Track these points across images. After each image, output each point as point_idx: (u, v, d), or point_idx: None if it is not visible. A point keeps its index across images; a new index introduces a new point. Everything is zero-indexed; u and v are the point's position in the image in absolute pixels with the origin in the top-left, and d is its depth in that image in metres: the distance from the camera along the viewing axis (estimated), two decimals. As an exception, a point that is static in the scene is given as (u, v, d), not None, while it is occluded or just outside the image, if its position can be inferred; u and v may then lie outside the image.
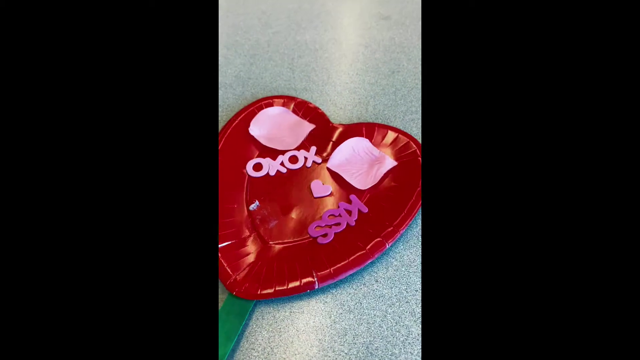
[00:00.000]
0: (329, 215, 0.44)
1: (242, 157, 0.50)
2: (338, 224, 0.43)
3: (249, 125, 0.53)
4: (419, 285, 0.39)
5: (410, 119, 0.55)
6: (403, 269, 0.41)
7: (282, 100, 0.56)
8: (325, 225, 0.43)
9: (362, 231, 0.42)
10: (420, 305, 0.38)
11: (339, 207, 0.45)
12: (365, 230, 0.42)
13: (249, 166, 0.50)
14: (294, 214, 0.45)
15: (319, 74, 0.62)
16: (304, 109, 0.55)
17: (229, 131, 0.52)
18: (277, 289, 0.38)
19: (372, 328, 0.37)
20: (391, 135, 0.51)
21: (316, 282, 0.38)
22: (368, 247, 0.40)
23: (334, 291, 0.40)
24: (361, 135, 0.51)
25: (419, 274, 0.40)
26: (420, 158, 0.47)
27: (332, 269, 0.39)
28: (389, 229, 0.41)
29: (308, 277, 0.39)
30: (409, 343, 0.36)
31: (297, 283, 0.38)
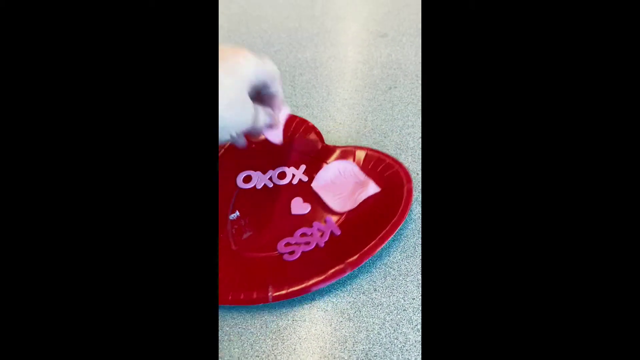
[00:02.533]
0: (301, 234, 0.45)
1: (237, 169, 0.53)
2: (308, 243, 0.44)
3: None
4: (416, 294, 0.41)
5: (407, 133, 0.57)
6: (401, 278, 0.42)
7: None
8: (295, 243, 0.44)
9: (329, 254, 0.43)
10: (417, 313, 0.40)
11: (312, 226, 0.46)
12: (332, 253, 0.43)
13: (240, 177, 0.52)
14: (268, 229, 0.46)
15: (319, 91, 0.65)
16: (304, 128, 0.57)
17: (227, 144, 0.55)
18: (231, 297, 0.40)
19: (371, 335, 0.38)
20: (381, 162, 0.51)
21: (270, 297, 0.40)
22: (329, 272, 0.41)
23: (334, 300, 0.41)
24: (353, 158, 0.52)
25: (417, 283, 0.42)
26: (405, 187, 0.47)
27: (288, 290, 0.40)
28: (354, 257, 0.41)
29: (263, 291, 0.40)
30: (407, 350, 0.37)
31: (252, 295, 0.40)
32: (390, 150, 0.55)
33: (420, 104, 0.61)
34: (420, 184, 0.50)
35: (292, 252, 0.44)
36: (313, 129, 0.55)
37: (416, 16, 0.79)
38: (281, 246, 0.44)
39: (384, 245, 0.42)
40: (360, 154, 0.52)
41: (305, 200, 0.49)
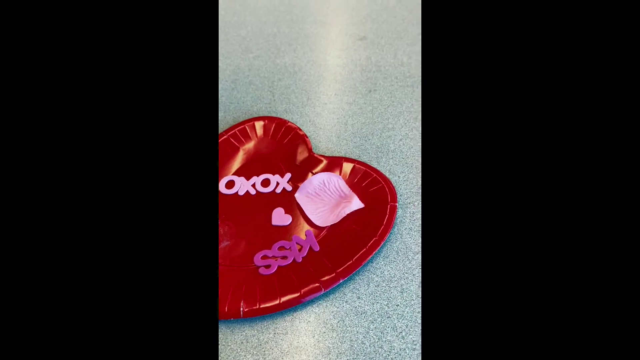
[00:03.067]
0: (279, 247, 0.44)
1: (220, 173, 0.52)
2: (285, 257, 0.43)
3: (231, 146, 0.54)
4: (399, 300, 0.40)
5: (387, 136, 0.56)
6: (384, 285, 0.41)
7: (262, 122, 0.57)
8: (272, 256, 0.43)
9: (304, 270, 0.41)
10: (401, 319, 0.39)
11: (292, 239, 0.44)
12: (308, 270, 0.41)
13: (222, 183, 0.51)
14: (247, 239, 0.45)
15: (298, 96, 0.64)
16: (284, 129, 0.56)
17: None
18: None
19: (355, 345, 0.38)
20: (367, 177, 0.49)
21: (241, 312, 0.39)
22: (303, 290, 0.40)
23: (317, 310, 0.40)
24: (338, 170, 0.51)
25: (399, 289, 0.41)
26: (389, 206, 0.45)
27: (261, 306, 0.39)
28: (331, 276, 0.40)
29: (236, 305, 0.39)
30: (392, 358, 0.36)
31: (223, 308, 0.39)
32: (371, 154, 0.54)
33: (399, 106, 0.61)
34: (400, 186, 0.49)
35: (268, 266, 0.42)
36: (303, 137, 0.55)
37: (394, 18, 0.79)
38: (258, 259, 0.43)
39: (363, 264, 0.41)
40: (347, 167, 0.50)
41: (287, 211, 0.47)
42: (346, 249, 0.43)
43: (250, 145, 0.55)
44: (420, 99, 0.59)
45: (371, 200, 0.47)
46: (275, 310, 0.39)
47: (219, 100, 0.64)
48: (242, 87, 0.66)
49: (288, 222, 0.47)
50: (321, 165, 0.52)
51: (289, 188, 0.50)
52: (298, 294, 0.40)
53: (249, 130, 0.56)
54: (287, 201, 0.49)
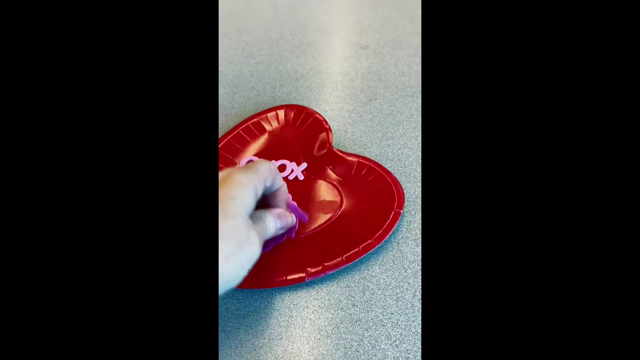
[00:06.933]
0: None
1: (240, 154, 0.54)
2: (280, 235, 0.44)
3: (259, 129, 0.56)
4: (394, 308, 0.40)
5: (386, 145, 0.57)
6: (379, 292, 0.42)
7: (290, 110, 0.58)
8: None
9: (303, 251, 0.43)
10: (396, 328, 0.39)
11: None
12: (307, 252, 0.42)
13: (243, 162, 0.51)
14: None
15: (299, 102, 0.64)
16: (304, 114, 0.57)
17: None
18: None
19: (349, 353, 0.38)
20: (380, 179, 0.49)
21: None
22: (288, 276, 0.41)
23: (312, 316, 0.40)
24: (351, 169, 0.51)
25: (395, 297, 0.41)
26: (393, 212, 0.45)
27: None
28: (317, 268, 0.41)
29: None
30: (385, 367, 0.36)
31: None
32: (370, 162, 0.54)
33: (399, 115, 0.61)
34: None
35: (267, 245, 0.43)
36: (326, 128, 0.54)
37: (395, 29, 0.80)
38: None
39: (347, 265, 0.41)
40: (361, 167, 0.50)
41: (293, 199, 0.47)
42: (339, 245, 0.43)
43: (276, 129, 0.56)
44: (420, 109, 0.60)
45: (376, 202, 0.47)
46: (260, 286, 0.41)
47: (221, 105, 0.65)
48: (244, 92, 0.67)
49: (306, 220, 0.47)
50: (336, 158, 0.52)
51: (301, 177, 0.51)
52: (283, 279, 0.41)
53: (277, 116, 0.58)
54: (294, 189, 0.49)
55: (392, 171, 0.53)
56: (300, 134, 0.55)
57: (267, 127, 0.57)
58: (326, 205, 0.48)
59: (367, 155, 0.55)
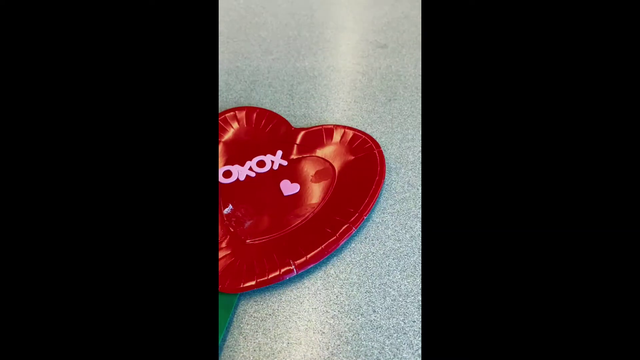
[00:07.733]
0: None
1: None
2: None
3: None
4: (417, 316, 0.39)
5: (406, 147, 0.56)
6: (401, 299, 0.41)
7: (233, 113, 0.58)
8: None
9: (327, 217, 0.46)
10: (418, 337, 0.38)
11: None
12: (332, 217, 0.46)
13: (219, 174, 0.52)
14: (267, 213, 0.48)
15: (317, 101, 0.63)
16: (266, 117, 0.58)
17: None
18: (258, 280, 0.41)
19: (370, 360, 0.37)
20: (349, 134, 0.54)
21: (294, 270, 0.41)
22: (338, 233, 0.44)
23: (331, 321, 0.39)
24: (321, 137, 0.55)
25: (417, 304, 0.40)
26: (376, 152, 0.52)
27: (307, 256, 0.42)
28: (355, 216, 0.45)
29: (286, 266, 0.41)
30: (407, 376, 0.36)
31: (276, 273, 0.41)
32: (390, 164, 0.53)
33: (420, 117, 0.60)
34: (420, 199, 0.49)
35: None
36: (276, 116, 0.57)
37: (416, 28, 0.79)
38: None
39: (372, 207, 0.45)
40: (336, 131, 0.54)
41: (293, 181, 0.50)
42: (352, 194, 0.47)
43: (229, 135, 0.56)
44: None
45: (359, 152, 0.52)
46: (322, 256, 0.43)
47: (238, 101, 0.64)
48: (261, 88, 0.66)
49: (297, 190, 0.50)
50: (301, 135, 0.55)
51: (285, 163, 0.53)
52: (335, 237, 0.43)
53: (229, 120, 0.58)
54: (289, 173, 0.51)
55: (413, 175, 0.52)
56: (255, 131, 0.56)
57: (219, 137, 0.57)
58: (321, 174, 0.51)
59: (386, 156, 0.54)
